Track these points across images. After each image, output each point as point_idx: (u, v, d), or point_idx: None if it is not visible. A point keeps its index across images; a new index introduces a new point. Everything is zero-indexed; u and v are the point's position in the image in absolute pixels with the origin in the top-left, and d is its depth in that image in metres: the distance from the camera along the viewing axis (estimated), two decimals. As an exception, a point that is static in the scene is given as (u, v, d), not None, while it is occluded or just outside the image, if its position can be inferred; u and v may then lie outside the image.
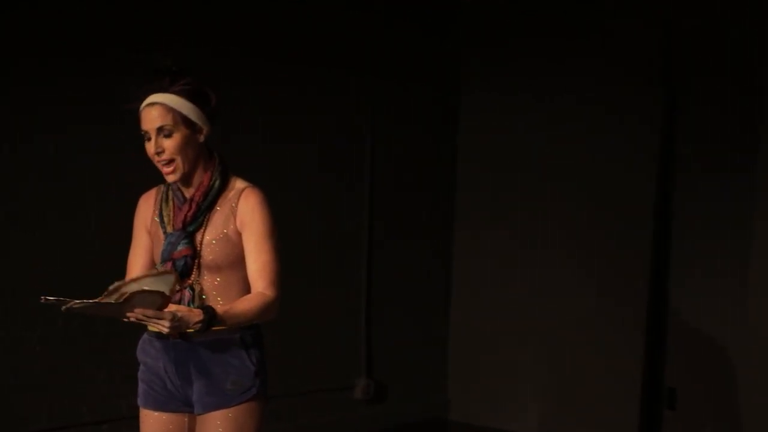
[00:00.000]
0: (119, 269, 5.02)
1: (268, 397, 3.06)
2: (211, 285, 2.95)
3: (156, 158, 2.95)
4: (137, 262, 3.14)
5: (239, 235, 2.96)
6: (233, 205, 2.97)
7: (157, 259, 3.03)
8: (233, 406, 2.95)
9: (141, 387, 3.11)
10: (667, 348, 5.82)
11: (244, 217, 2.95)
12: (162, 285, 2.66)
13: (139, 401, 3.11)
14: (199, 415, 3.00)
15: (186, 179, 2.99)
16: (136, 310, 2.65)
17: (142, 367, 3.11)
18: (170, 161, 2.93)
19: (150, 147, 2.96)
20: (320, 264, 5.95)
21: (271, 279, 2.94)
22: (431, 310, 6.62)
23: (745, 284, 5.45)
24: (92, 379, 5.05)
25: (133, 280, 2.66)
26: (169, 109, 2.92)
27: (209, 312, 2.76)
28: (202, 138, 2.97)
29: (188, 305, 2.89)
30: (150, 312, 2.66)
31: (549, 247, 6.19)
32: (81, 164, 4.96)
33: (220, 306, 2.85)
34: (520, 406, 6.30)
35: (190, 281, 2.94)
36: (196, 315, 2.74)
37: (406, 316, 6.44)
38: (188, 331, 2.80)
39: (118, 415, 5.14)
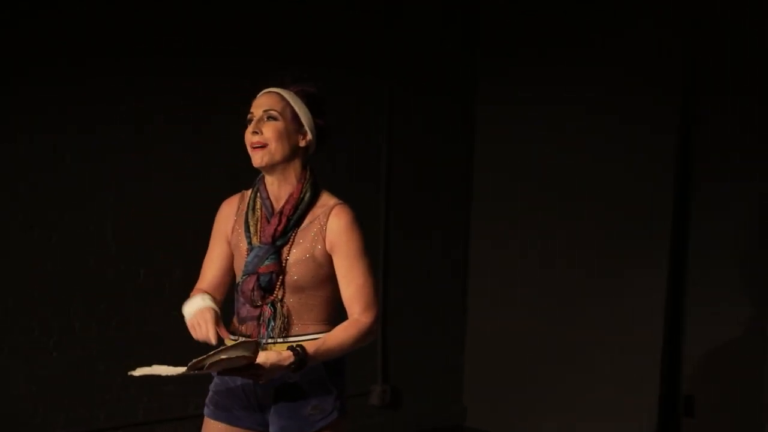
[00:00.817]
0: (135, 273, 5.06)
1: (347, 414, 2.99)
2: (293, 304, 2.87)
3: (251, 139, 2.86)
4: (211, 268, 3.05)
5: (327, 256, 2.87)
6: (322, 223, 2.87)
7: (238, 270, 2.94)
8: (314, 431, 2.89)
9: (213, 398, 3.01)
10: (684, 355, 5.78)
11: (334, 238, 2.85)
12: (243, 351, 2.61)
13: (208, 412, 3.02)
14: None
15: (276, 186, 2.91)
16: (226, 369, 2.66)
17: (217, 380, 3.00)
18: (263, 146, 2.85)
19: (249, 128, 2.88)
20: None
21: (367, 302, 2.88)
22: (447, 316, 6.60)
23: (764, 291, 5.42)
24: (108, 384, 5.05)
25: (215, 353, 2.61)
26: (283, 99, 2.89)
27: (300, 355, 2.70)
28: (303, 143, 2.90)
29: (268, 323, 2.84)
30: (241, 368, 2.65)
31: (566, 254, 6.16)
32: (102, 167, 4.98)
33: (311, 343, 2.78)
34: (537, 413, 6.27)
35: (272, 298, 2.86)
36: (286, 358, 2.69)
37: (422, 322, 6.42)
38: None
39: (134, 420, 5.14)
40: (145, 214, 5.12)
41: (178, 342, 4.86)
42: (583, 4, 6.10)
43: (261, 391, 2.89)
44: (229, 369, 2.68)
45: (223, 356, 2.59)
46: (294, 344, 2.76)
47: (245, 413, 2.94)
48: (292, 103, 2.88)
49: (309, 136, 2.91)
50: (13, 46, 4.69)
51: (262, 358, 2.67)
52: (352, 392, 6.07)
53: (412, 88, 6.30)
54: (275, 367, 2.68)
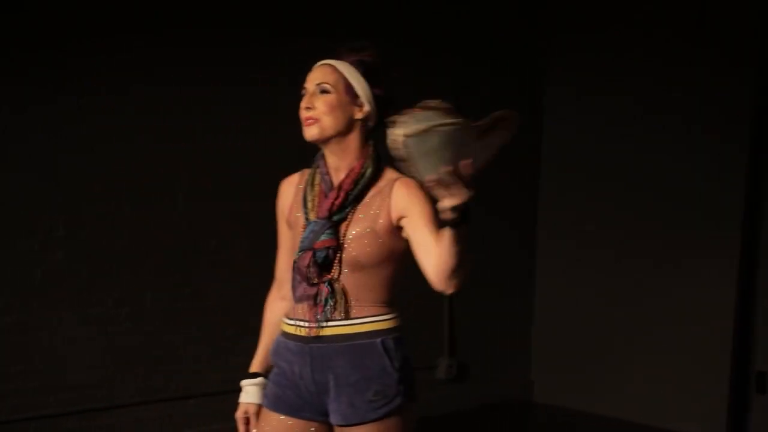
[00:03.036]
0: (205, 244, 5.13)
1: (416, 399, 2.81)
2: (351, 283, 2.73)
3: (303, 114, 2.75)
4: (282, 255, 2.93)
5: (390, 230, 2.72)
6: (385, 195, 2.73)
7: (295, 248, 2.79)
8: (378, 419, 2.71)
9: (271, 389, 2.86)
10: (756, 332, 5.72)
11: (402, 204, 2.70)
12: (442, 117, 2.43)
13: (266, 402, 2.87)
14: (339, 426, 2.77)
15: (336, 160, 2.79)
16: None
17: (275, 370, 2.85)
18: (316, 120, 2.73)
19: (302, 103, 2.76)
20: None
21: None
22: (515, 290, 6.58)
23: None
24: (180, 355, 5.14)
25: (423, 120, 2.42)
26: (335, 71, 2.76)
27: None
28: (360, 114, 2.76)
29: (325, 302, 2.71)
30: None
31: (635, 233, 6.12)
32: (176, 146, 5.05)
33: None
34: (604, 388, 6.24)
35: (330, 276, 2.72)
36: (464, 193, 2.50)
37: (490, 296, 6.41)
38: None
39: (205, 391, 5.22)
40: (214, 185, 5.18)
41: (247, 312, 4.94)
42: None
43: (319, 378, 2.75)
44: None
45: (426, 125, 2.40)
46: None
47: (302, 403, 2.80)
48: (347, 75, 2.76)
49: (366, 108, 2.77)
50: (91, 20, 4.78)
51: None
52: (417, 365, 6.10)
53: (478, 68, 6.26)
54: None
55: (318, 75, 2.77)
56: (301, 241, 2.74)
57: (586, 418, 6.26)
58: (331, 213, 2.73)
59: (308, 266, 2.72)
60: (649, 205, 6.05)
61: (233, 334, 5.24)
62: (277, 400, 2.84)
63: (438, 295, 6.52)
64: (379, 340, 2.76)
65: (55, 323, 4.76)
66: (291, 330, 2.79)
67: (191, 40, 5.05)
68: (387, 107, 2.79)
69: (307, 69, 2.84)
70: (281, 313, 2.89)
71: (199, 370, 5.20)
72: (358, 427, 2.72)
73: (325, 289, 2.71)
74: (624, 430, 6.05)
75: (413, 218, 2.70)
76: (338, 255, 2.72)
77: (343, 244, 2.72)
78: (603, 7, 6.27)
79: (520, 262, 6.60)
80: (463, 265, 2.68)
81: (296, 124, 2.83)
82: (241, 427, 2.91)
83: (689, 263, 5.87)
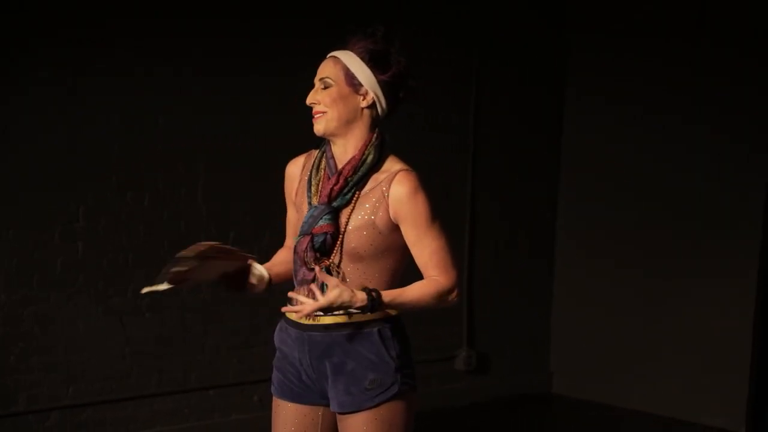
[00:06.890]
0: (225, 236, 5.13)
1: (415, 388, 2.82)
2: (350, 273, 2.74)
3: (313, 108, 2.81)
4: (291, 230, 2.97)
5: (389, 224, 2.73)
6: (384, 189, 2.74)
7: (297, 231, 2.84)
8: (375, 406, 2.74)
9: (276, 375, 2.91)
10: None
11: (398, 206, 2.72)
12: (191, 259, 2.59)
13: (273, 390, 2.93)
14: (339, 414, 2.80)
15: (342, 147, 2.80)
16: (302, 298, 2.62)
17: (278, 354, 2.90)
18: (321, 114, 2.78)
19: (307, 98, 2.82)
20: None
21: (444, 265, 2.73)
22: (534, 281, 6.56)
23: None
24: (200, 346, 5.14)
25: (171, 263, 2.61)
26: (338, 62, 2.78)
27: (373, 297, 2.62)
28: (364, 103, 2.77)
29: (322, 287, 2.70)
30: (310, 303, 2.59)
31: (656, 226, 6.09)
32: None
33: (386, 291, 2.68)
34: (624, 380, 6.22)
35: (328, 263, 2.74)
36: (359, 300, 2.61)
37: (508, 287, 6.40)
38: (349, 311, 2.66)
39: (224, 381, 5.23)
40: (235, 177, 5.18)
41: (266, 304, 4.95)
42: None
43: (317, 364, 2.79)
44: (222, 277, 2.69)
45: (178, 268, 2.58)
46: (369, 288, 2.65)
47: (305, 388, 2.85)
48: (348, 64, 2.76)
49: (370, 95, 2.77)
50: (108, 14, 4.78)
51: (333, 295, 2.59)
52: (437, 357, 6.12)
53: (501, 65, 6.24)
54: (345, 304, 2.61)
55: (322, 69, 2.81)
56: (302, 226, 2.77)
57: (605, 410, 6.24)
58: (330, 198, 2.75)
59: (306, 250, 2.74)
60: (672, 195, 6.01)
61: (252, 325, 5.25)
62: (282, 387, 2.89)
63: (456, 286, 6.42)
64: (375, 329, 2.75)
65: (74, 314, 4.78)
66: (292, 316, 2.81)
67: (216, 30, 5.06)
68: (397, 92, 2.81)
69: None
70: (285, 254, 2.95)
71: (218, 361, 5.21)
72: (354, 414, 2.75)
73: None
74: (643, 422, 6.04)
75: (406, 224, 2.74)
76: (338, 243, 2.74)
77: (343, 233, 2.74)
78: (628, 11, 6.21)
79: (538, 252, 6.58)
80: (432, 306, 2.76)
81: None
82: None
83: (711, 256, 5.83)
